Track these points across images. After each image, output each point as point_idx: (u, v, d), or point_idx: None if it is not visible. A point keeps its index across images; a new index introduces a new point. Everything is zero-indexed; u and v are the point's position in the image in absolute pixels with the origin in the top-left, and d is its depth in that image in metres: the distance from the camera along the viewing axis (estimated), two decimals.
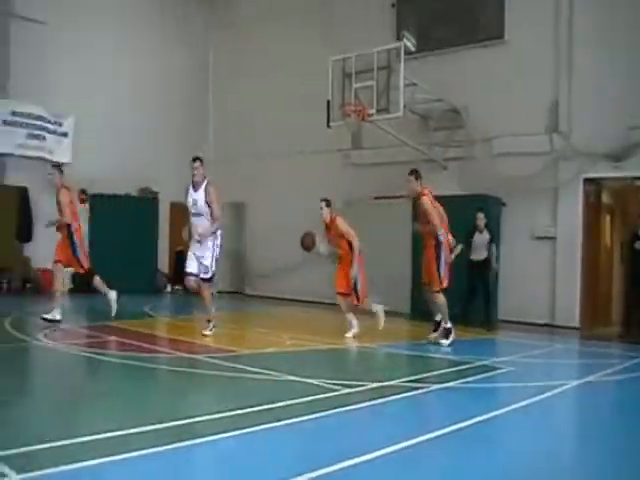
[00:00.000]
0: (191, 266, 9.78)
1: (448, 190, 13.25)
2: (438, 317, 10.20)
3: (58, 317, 10.52)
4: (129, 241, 17.53)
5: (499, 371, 8.02)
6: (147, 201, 18.88)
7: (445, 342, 9.81)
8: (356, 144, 15.10)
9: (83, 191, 17.85)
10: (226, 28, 21.22)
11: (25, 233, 16.76)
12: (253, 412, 5.30)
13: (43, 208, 15.87)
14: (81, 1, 17.99)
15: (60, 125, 17.69)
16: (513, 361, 8.82)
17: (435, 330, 10.25)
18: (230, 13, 21.24)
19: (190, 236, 9.85)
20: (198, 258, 9.72)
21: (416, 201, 10.19)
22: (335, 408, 5.57)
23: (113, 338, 9.40)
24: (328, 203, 10.61)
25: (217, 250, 9.83)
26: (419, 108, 14.89)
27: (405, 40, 13.63)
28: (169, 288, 19.56)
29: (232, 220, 20.67)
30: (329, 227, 10.58)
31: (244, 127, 20.09)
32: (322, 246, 10.62)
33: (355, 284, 10.32)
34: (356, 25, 16.73)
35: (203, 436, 4.59)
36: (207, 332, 9.88)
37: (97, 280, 11.08)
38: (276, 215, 18.45)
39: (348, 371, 8.29)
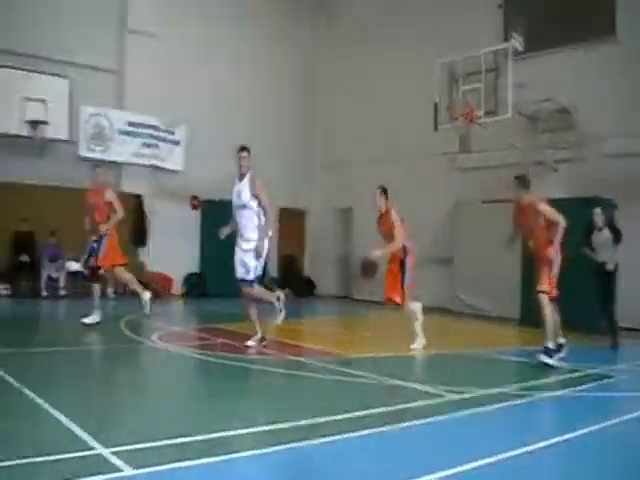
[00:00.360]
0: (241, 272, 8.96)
1: (559, 193, 12.89)
2: (562, 340, 8.70)
3: (147, 297, 10.71)
4: None
5: (612, 379, 7.79)
6: None
7: (548, 360, 8.22)
8: (464, 147, 14.87)
9: (195, 197, 18.42)
10: (332, 33, 21.50)
11: (140, 238, 17.41)
12: (360, 416, 5.33)
13: (158, 214, 16.50)
14: (190, 13, 18.63)
15: (172, 134, 18.28)
16: (627, 369, 8.54)
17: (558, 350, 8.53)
18: (336, 17, 21.52)
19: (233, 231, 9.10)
20: (241, 258, 8.90)
21: (522, 210, 8.74)
22: (442, 414, 5.53)
23: (222, 340, 9.65)
24: (384, 191, 9.80)
25: (264, 252, 8.89)
26: (527, 109, 14.60)
27: (513, 40, 13.46)
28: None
29: (339, 225, 20.92)
30: (381, 217, 9.82)
31: (350, 132, 20.27)
32: (377, 252, 9.50)
33: (402, 279, 9.45)
34: (462, 27, 16.56)
35: (316, 437, 4.63)
36: (279, 319, 9.18)
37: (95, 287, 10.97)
38: None
39: (455, 377, 8.18)
